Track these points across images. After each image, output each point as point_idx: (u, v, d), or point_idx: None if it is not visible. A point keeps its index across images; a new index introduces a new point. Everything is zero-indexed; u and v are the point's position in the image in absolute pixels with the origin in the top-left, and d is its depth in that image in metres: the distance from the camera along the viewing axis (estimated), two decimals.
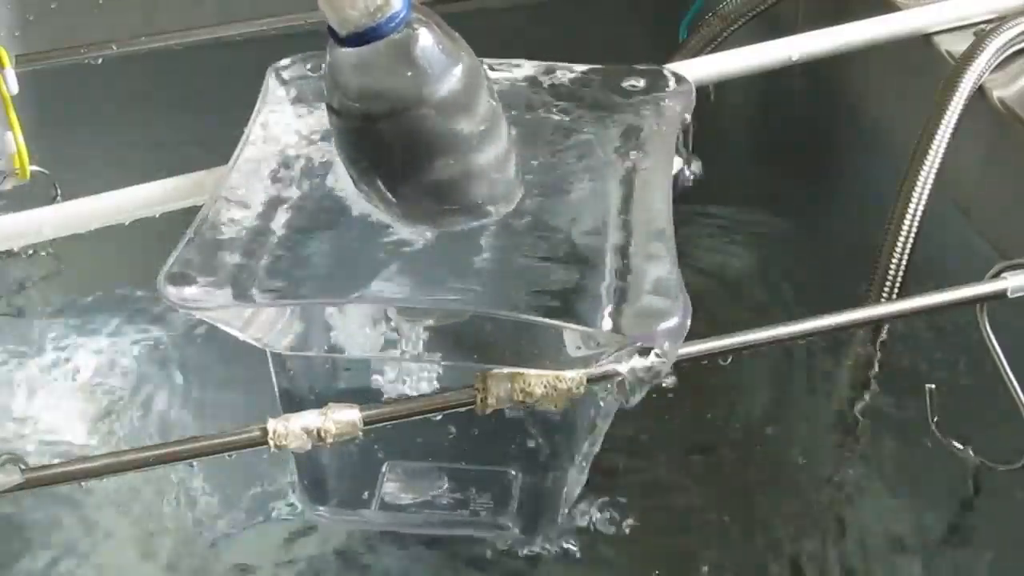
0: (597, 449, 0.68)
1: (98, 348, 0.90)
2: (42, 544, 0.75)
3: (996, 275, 0.61)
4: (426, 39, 0.53)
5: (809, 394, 0.82)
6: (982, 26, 0.78)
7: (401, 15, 0.52)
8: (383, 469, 0.72)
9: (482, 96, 0.56)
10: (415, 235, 0.57)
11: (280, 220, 0.58)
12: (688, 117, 0.64)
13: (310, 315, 0.59)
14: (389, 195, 0.57)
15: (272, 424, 0.54)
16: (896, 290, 0.72)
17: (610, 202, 0.58)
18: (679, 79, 0.66)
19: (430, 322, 0.59)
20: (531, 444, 0.69)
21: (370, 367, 0.66)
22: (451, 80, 0.54)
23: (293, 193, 0.60)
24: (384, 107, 0.54)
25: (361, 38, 0.52)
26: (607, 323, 0.52)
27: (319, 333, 0.60)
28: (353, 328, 0.60)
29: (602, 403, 0.63)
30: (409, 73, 0.53)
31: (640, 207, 0.58)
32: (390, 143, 0.55)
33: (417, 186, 0.56)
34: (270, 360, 0.66)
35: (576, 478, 0.70)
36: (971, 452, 0.69)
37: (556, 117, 0.64)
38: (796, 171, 0.97)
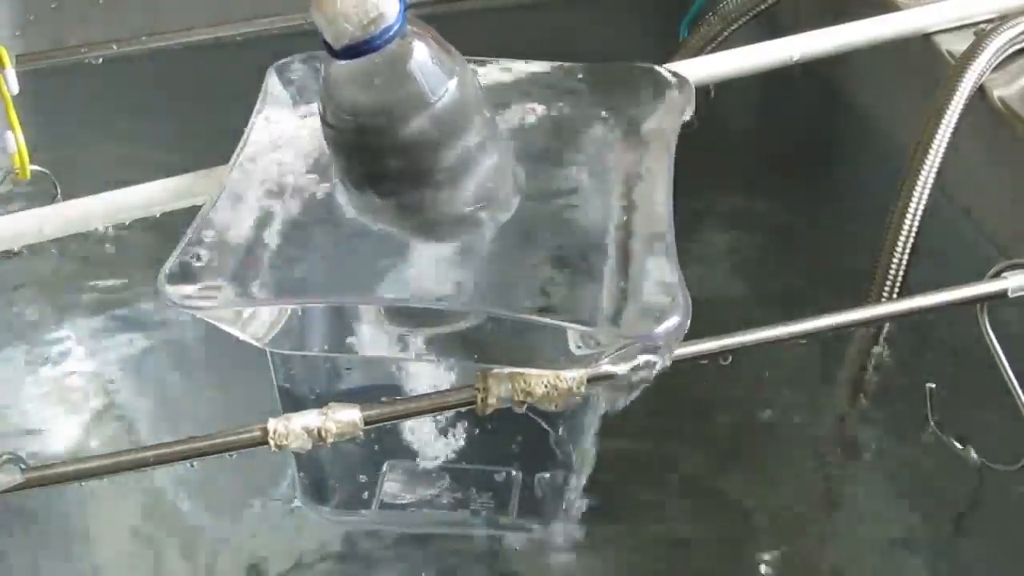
0: (593, 450, 0.68)
1: (98, 348, 0.90)
2: (38, 541, 0.75)
3: (996, 275, 0.61)
4: (421, 52, 0.53)
5: (809, 394, 0.82)
6: (982, 26, 0.78)
7: (395, 28, 0.52)
8: (383, 469, 0.72)
9: (476, 109, 0.56)
10: (417, 236, 0.57)
11: (280, 220, 0.58)
12: (688, 116, 0.64)
13: (310, 314, 0.59)
14: (382, 206, 0.57)
15: (272, 424, 0.54)
16: (896, 290, 0.72)
17: (610, 201, 0.58)
18: (679, 78, 0.66)
19: (433, 330, 0.59)
20: (531, 444, 0.69)
21: (370, 367, 0.66)
22: (446, 93, 0.54)
23: (293, 193, 0.60)
24: (378, 120, 0.54)
25: (355, 51, 0.52)
26: (607, 323, 0.52)
27: (319, 332, 0.60)
28: (354, 328, 0.60)
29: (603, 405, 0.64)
30: (404, 86, 0.53)
31: (640, 206, 0.58)
32: (384, 156, 0.55)
33: (410, 199, 0.56)
34: (270, 360, 0.66)
35: (577, 477, 0.70)
36: (971, 452, 0.69)
37: (556, 116, 0.64)
38: (796, 171, 0.97)
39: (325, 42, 0.53)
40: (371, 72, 0.53)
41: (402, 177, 0.55)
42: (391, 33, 0.52)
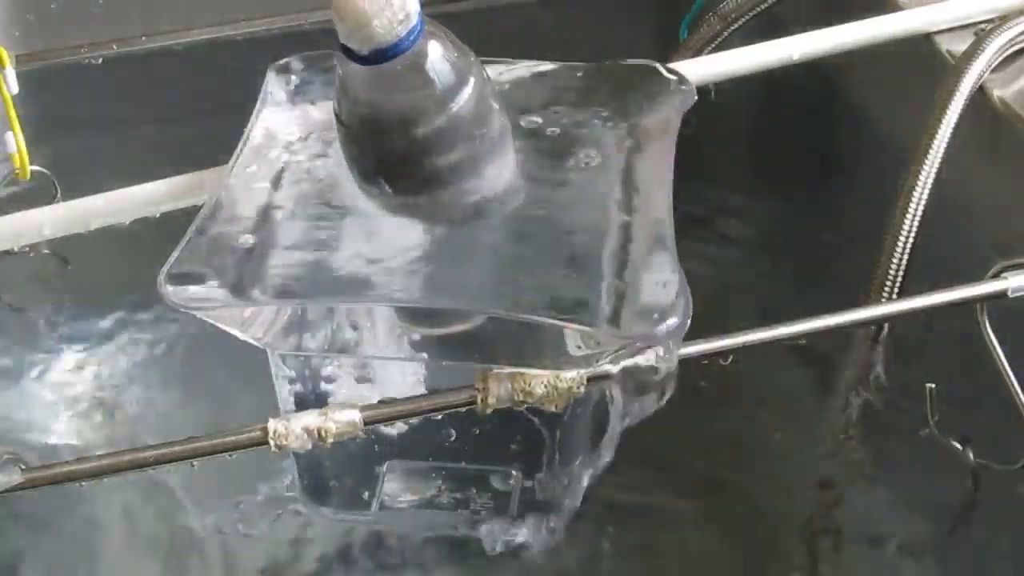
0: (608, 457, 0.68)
1: (98, 348, 0.90)
2: (37, 543, 0.75)
3: (996, 275, 0.61)
4: (437, 51, 0.54)
5: (808, 394, 0.82)
6: (982, 26, 0.78)
7: (418, 29, 0.53)
8: (383, 469, 0.72)
9: (491, 103, 0.56)
10: (416, 236, 0.57)
11: (280, 219, 0.58)
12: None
13: (310, 314, 0.59)
14: (390, 192, 0.57)
15: (272, 424, 0.54)
16: (896, 290, 0.72)
17: (610, 201, 0.58)
18: (679, 78, 0.66)
19: (435, 330, 0.59)
20: (532, 444, 0.69)
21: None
22: (463, 89, 0.54)
23: (293, 192, 0.60)
24: (396, 118, 0.54)
25: (383, 55, 0.52)
26: (607, 323, 0.52)
27: (319, 333, 0.60)
28: (355, 328, 0.60)
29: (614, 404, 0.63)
30: (422, 84, 0.54)
31: (640, 206, 0.58)
32: (402, 153, 0.55)
33: (423, 188, 0.56)
34: (270, 360, 0.66)
35: (580, 478, 0.70)
36: (971, 452, 0.69)
37: (556, 116, 0.64)
38: (796, 171, 0.97)
39: (345, 47, 0.53)
40: (390, 72, 0.53)
41: (419, 172, 0.56)
42: (415, 35, 0.52)
